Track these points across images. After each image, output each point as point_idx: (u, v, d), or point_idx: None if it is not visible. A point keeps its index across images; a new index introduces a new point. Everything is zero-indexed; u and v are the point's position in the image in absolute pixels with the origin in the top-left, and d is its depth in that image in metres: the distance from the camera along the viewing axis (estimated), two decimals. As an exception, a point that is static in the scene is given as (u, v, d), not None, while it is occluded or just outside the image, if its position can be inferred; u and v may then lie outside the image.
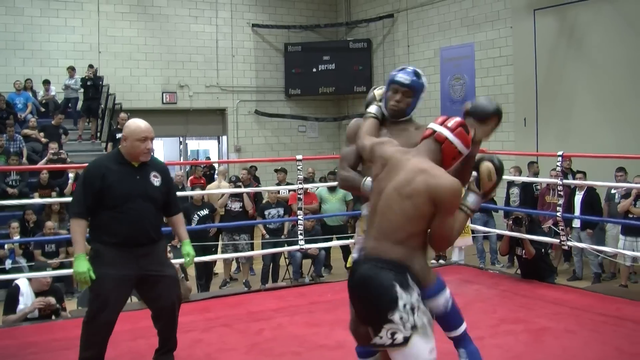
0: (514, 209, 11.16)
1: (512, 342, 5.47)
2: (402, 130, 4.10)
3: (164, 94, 18.54)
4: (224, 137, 20.13)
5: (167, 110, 18.71)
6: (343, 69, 19.57)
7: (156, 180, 4.75)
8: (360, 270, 3.32)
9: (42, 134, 15.06)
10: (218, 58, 19.23)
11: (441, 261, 11.80)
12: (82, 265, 4.49)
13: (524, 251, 7.93)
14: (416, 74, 4.09)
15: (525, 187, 12.49)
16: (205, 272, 10.97)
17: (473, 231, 8.79)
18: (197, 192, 11.54)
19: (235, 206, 11.71)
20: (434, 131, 3.48)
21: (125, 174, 4.64)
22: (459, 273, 8.13)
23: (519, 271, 8.88)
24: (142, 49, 18.24)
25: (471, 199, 3.64)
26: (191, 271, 10.49)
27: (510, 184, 12.55)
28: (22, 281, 7.28)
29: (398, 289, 3.20)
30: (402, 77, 4.06)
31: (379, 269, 3.24)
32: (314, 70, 19.73)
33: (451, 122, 3.52)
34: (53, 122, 15.33)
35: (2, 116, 15.34)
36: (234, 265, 12.56)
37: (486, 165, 3.73)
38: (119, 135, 14.52)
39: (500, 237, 11.38)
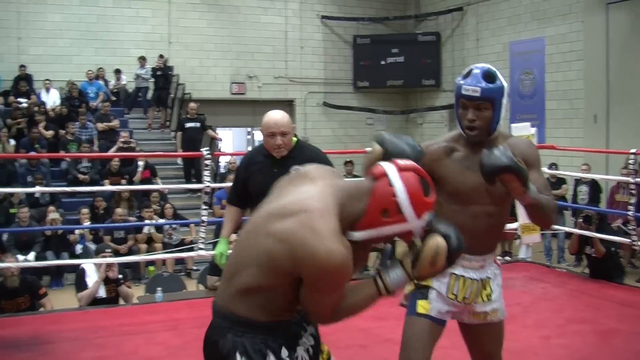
0: (584, 206, 10.99)
1: (579, 343, 5.38)
2: None
3: (233, 85, 18.68)
4: (291, 128, 20.13)
5: (236, 100, 18.83)
6: (411, 62, 19.42)
7: None
8: (207, 331, 2.43)
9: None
10: (287, 49, 19.27)
11: (507, 258, 11.70)
12: (219, 248, 4.63)
13: (593, 250, 7.81)
14: (487, 76, 3.13)
15: (594, 185, 12.31)
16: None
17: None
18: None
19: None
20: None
21: (265, 167, 4.43)
22: (526, 270, 8.04)
23: (586, 270, 8.77)
24: (212, 40, 18.38)
25: (394, 276, 2.39)
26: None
27: (578, 181, 12.35)
28: (88, 265, 7.51)
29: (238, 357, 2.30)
30: (469, 88, 3.12)
31: (222, 330, 2.34)
32: (382, 62, 19.60)
33: (405, 162, 2.36)
34: (101, 111, 15.59)
35: (75, 104, 15.65)
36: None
37: (435, 243, 2.37)
38: (187, 125, 14.72)
39: (568, 235, 11.24)
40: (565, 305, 6.63)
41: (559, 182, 12.42)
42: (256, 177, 4.43)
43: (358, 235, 2.27)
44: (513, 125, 8.71)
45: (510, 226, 9.62)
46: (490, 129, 3.16)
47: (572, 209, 12.03)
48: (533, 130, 8.41)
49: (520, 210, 8.26)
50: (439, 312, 3.33)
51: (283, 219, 2.20)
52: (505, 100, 3.15)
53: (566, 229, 10.11)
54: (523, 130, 8.33)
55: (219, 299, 2.38)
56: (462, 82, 3.15)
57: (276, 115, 4.45)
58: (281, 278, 2.21)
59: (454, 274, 3.28)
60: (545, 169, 9.97)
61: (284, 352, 2.35)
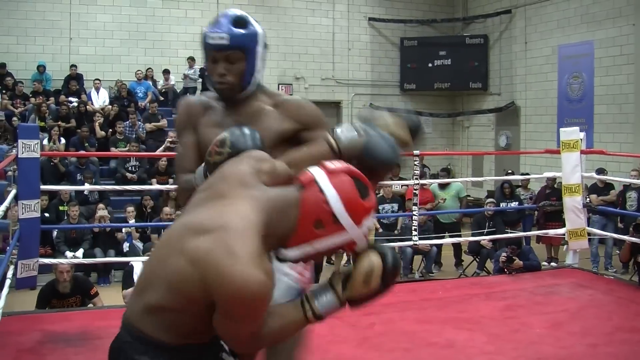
0: (634, 213, 10.86)
1: (628, 352, 5.29)
2: (250, 113, 2.80)
3: (280, 86, 18.71)
4: (338, 130, 20.16)
5: (282, 102, 18.91)
6: (459, 65, 19.32)
7: None
8: (113, 341, 2.11)
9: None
10: (334, 51, 19.31)
11: (553, 264, 11.61)
12: None
13: (644, 258, 7.71)
14: (236, 21, 2.73)
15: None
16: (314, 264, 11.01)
17: (589, 234, 8.56)
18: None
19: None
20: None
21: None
22: (573, 276, 7.94)
23: (635, 278, 8.64)
24: (259, 41, 18.45)
25: (324, 300, 2.12)
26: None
27: (627, 187, 12.15)
28: (137, 263, 7.60)
29: None
30: (216, 36, 2.69)
31: (124, 344, 2.04)
32: (430, 65, 19.53)
33: (336, 165, 2.08)
34: (150, 111, 15.80)
35: (124, 104, 15.85)
36: (344, 258, 12.61)
37: (369, 261, 2.15)
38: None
39: (616, 242, 11.07)
40: (613, 313, 6.54)
41: (607, 187, 12.25)
42: None
43: (291, 253, 2.04)
44: (561, 129, 8.62)
45: (557, 232, 9.55)
46: (242, 83, 2.74)
47: (620, 216, 11.88)
48: (582, 134, 8.33)
49: (568, 215, 8.18)
50: None
51: (198, 236, 1.89)
52: (261, 49, 2.77)
53: (615, 235, 9.99)
54: (572, 134, 8.25)
55: (127, 310, 2.07)
56: (208, 29, 2.74)
57: None
58: (192, 302, 1.91)
59: None
60: (593, 174, 9.87)
61: None
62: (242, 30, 2.70)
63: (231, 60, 2.69)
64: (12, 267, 6.16)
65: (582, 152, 8.20)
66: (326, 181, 1.99)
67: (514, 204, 12.56)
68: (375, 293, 2.16)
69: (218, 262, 1.81)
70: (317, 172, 2.03)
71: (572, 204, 8.13)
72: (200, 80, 16.86)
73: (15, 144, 7.65)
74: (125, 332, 2.03)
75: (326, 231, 1.99)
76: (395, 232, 11.75)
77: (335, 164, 2.06)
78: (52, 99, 15.52)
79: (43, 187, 7.37)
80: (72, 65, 16.36)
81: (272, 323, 2.03)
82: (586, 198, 9.75)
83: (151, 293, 1.97)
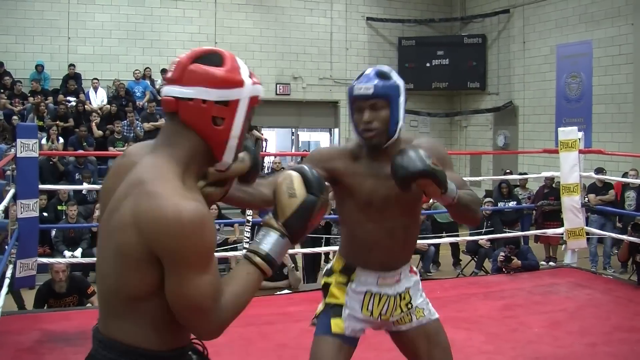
0: (633, 213, 10.86)
1: (626, 352, 5.30)
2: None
3: (278, 85, 18.73)
4: (336, 130, 20.19)
5: (281, 101, 18.88)
6: (457, 65, 19.32)
7: None
8: None
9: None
10: (332, 51, 19.30)
11: (551, 263, 11.61)
12: None
13: (642, 257, 7.71)
14: (380, 74, 2.87)
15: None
16: (312, 263, 11.04)
17: (588, 233, 8.57)
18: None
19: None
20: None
21: None
22: (572, 276, 7.96)
23: (633, 277, 8.65)
24: (257, 41, 18.47)
25: (266, 240, 1.98)
26: (301, 262, 10.58)
27: (626, 186, 12.15)
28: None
29: None
30: (362, 87, 2.85)
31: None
32: (428, 65, 19.53)
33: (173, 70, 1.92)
34: (148, 111, 15.77)
35: (122, 103, 15.83)
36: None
37: (284, 175, 2.10)
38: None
39: (615, 241, 11.07)
40: (611, 312, 6.55)
41: (606, 187, 12.26)
42: None
43: (225, 158, 1.95)
44: (560, 129, 8.63)
45: (555, 231, 9.56)
46: (389, 131, 2.88)
47: (619, 216, 11.89)
48: (580, 134, 8.34)
49: (567, 215, 8.19)
50: (353, 330, 3.12)
51: (120, 206, 1.80)
52: (402, 100, 2.89)
53: (614, 235, 9.99)
54: (570, 134, 8.26)
55: (100, 326, 1.93)
56: (354, 83, 2.91)
57: None
58: (145, 273, 1.78)
59: (369, 292, 3.09)
60: (591, 174, 9.87)
61: None
62: (384, 82, 2.85)
63: (376, 108, 2.84)
64: (10, 267, 6.16)
65: (580, 151, 8.21)
66: (180, 88, 1.87)
67: (512, 204, 12.58)
68: (311, 206, 2.03)
69: (145, 208, 1.74)
70: (166, 90, 1.91)
71: (571, 203, 8.14)
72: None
73: (13, 144, 7.66)
74: (99, 347, 1.90)
75: (227, 116, 1.89)
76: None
77: (171, 69, 1.91)
78: (50, 99, 15.49)
79: (41, 186, 7.38)
80: (71, 65, 16.35)
81: (231, 287, 1.89)
82: (584, 197, 9.75)
83: (111, 292, 1.86)
